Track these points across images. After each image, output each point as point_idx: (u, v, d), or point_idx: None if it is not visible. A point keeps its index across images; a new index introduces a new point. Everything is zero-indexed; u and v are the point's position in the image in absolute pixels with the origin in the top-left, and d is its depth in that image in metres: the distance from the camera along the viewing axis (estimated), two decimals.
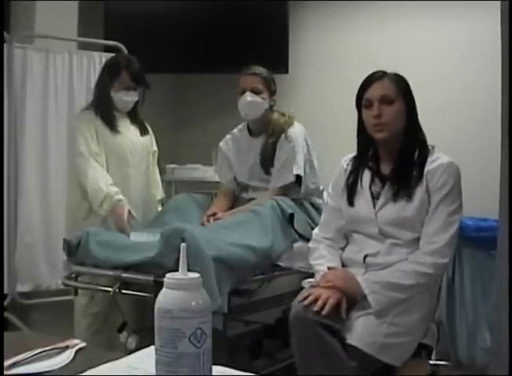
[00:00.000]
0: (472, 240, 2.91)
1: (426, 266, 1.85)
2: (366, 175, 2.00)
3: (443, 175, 1.88)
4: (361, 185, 1.99)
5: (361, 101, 1.96)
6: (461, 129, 3.27)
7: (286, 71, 3.65)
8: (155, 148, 2.88)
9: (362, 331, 1.80)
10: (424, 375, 2.13)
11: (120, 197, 2.53)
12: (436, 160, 1.91)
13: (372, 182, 1.98)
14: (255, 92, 2.57)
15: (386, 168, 1.97)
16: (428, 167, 1.90)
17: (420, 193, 1.88)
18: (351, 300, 1.85)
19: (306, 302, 1.79)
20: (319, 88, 3.66)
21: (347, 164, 2.06)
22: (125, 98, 2.65)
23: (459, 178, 1.92)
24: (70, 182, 2.77)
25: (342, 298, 1.81)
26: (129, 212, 2.52)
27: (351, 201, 2.00)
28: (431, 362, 2.30)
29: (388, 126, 1.91)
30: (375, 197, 1.96)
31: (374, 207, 1.94)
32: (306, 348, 1.79)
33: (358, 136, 2.03)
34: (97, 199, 2.52)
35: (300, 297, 1.84)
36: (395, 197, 1.90)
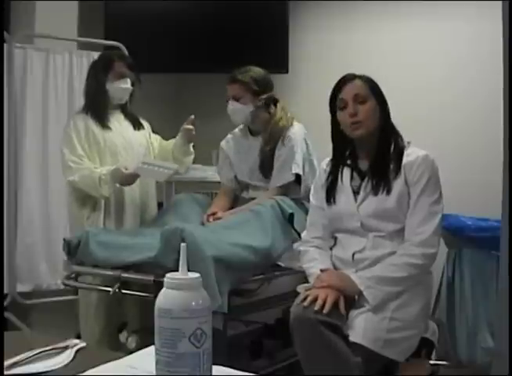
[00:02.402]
0: (472, 240, 2.91)
1: (416, 257, 1.89)
2: (346, 173, 2.06)
3: (420, 167, 1.95)
4: (341, 182, 2.05)
5: (335, 103, 2.03)
6: (461, 130, 3.27)
7: (286, 71, 3.65)
8: (157, 136, 2.83)
9: (364, 329, 1.81)
10: (424, 375, 2.14)
11: (112, 166, 2.50)
12: (412, 154, 1.99)
13: (351, 178, 2.05)
14: (235, 99, 2.58)
15: (364, 165, 2.04)
16: (405, 160, 1.97)
17: (398, 185, 1.95)
18: (349, 298, 1.86)
19: (306, 303, 1.80)
20: (319, 88, 3.65)
21: (327, 166, 2.14)
22: (123, 86, 2.61)
23: (437, 170, 1.99)
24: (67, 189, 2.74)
25: (340, 295, 1.82)
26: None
27: (333, 199, 2.06)
28: (431, 362, 2.30)
29: (364, 124, 1.99)
30: (356, 192, 2.02)
31: (356, 201, 2.00)
32: (310, 349, 1.79)
33: (333, 138, 2.10)
34: (94, 186, 2.49)
35: (297, 300, 1.85)
36: (375, 190, 1.96)
